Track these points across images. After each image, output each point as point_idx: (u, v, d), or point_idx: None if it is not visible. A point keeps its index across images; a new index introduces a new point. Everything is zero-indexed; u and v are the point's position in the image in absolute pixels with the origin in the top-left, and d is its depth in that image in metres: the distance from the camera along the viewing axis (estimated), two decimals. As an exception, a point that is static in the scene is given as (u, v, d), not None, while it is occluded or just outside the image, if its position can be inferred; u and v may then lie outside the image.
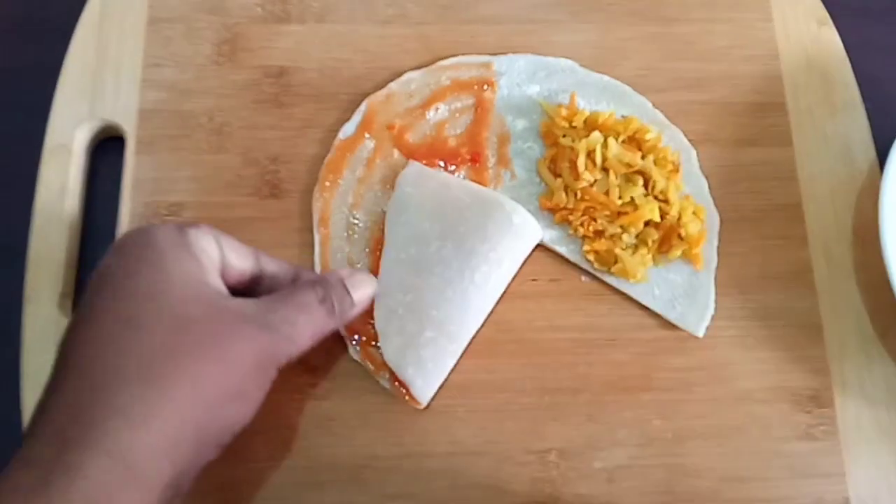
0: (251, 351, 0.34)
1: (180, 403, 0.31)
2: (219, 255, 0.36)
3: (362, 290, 0.39)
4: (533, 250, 0.43)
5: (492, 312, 0.42)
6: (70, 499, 0.29)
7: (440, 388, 0.41)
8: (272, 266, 0.38)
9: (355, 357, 0.41)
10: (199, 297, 0.34)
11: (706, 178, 0.45)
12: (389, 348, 0.40)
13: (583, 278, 0.44)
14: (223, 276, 0.36)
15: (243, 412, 0.34)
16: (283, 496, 0.40)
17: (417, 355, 0.40)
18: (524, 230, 0.42)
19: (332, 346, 0.42)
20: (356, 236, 0.43)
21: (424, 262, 0.41)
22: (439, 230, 0.42)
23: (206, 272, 0.35)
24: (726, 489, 0.41)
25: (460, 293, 0.41)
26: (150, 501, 0.31)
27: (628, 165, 0.43)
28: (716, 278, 0.43)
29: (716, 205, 0.45)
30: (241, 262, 0.37)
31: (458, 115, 0.46)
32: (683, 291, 0.43)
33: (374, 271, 0.42)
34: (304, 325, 0.36)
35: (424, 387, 0.40)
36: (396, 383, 0.40)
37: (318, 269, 0.42)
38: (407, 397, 0.40)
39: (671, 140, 0.45)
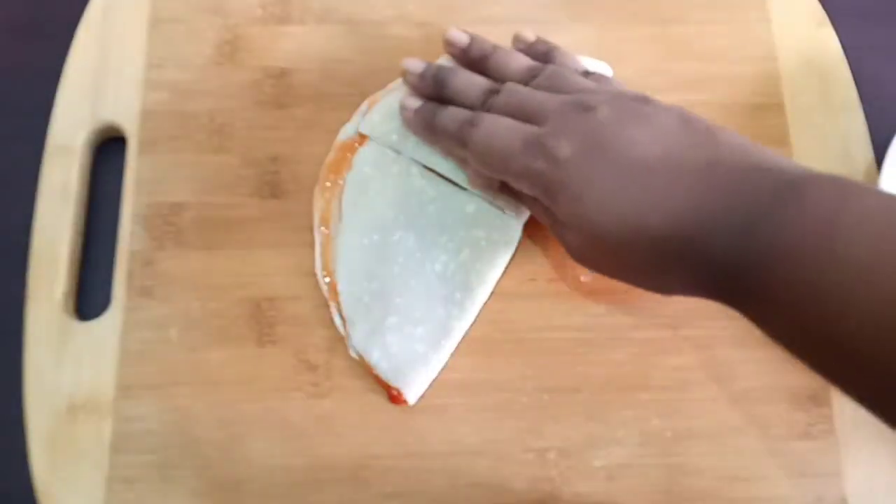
0: None
1: None
2: None
3: None
4: (517, 247, 0.43)
5: (486, 310, 0.42)
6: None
7: (434, 386, 0.41)
8: None
9: (354, 356, 0.41)
10: None
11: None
12: (357, 335, 0.41)
13: (582, 278, 0.44)
14: None
15: None
16: (283, 495, 0.40)
17: (382, 340, 0.41)
18: (480, 219, 0.42)
19: (331, 345, 0.42)
20: (356, 236, 0.44)
21: (388, 250, 0.42)
22: (403, 220, 0.43)
23: None
24: (725, 488, 0.41)
25: (423, 283, 0.42)
26: None
27: None
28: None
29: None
30: None
31: (458, 115, 0.46)
32: None
33: None
34: None
35: (391, 371, 0.40)
36: (381, 384, 0.41)
37: (318, 270, 0.43)
38: (395, 392, 0.40)
39: None
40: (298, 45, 0.48)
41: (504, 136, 0.37)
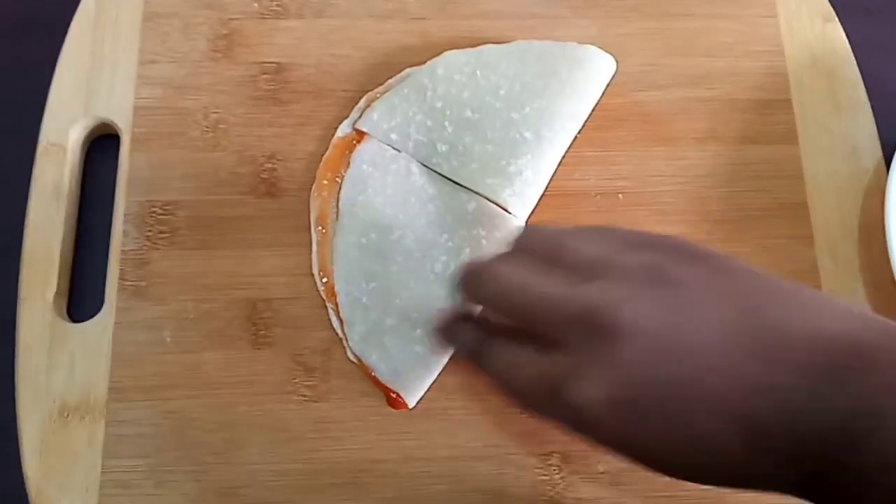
0: None
1: None
2: None
3: None
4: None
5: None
6: None
7: (434, 388, 0.41)
8: None
9: (352, 358, 0.41)
10: None
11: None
12: (355, 337, 0.40)
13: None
14: None
15: None
16: (281, 500, 0.39)
17: (381, 342, 0.40)
18: (481, 218, 0.42)
19: (329, 348, 0.41)
20: (354, 235, 0.43)
21: (387, 250, 0.41)
22: (402, 219, 0.42)
23: None
24: (730, 492, 0.40)
25: (423, 283, 0.41)
26: None
27: None
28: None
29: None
30: None
31: (458, 111, 0.45)
32: None
33: None
34: None
35: (390, 373, 0.40)
36: (379, 387, 0.40)
37: (315, 269, 0.42)
38: (394, 395, 0.40)
39: None
40: (295, 40, 0.47)
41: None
